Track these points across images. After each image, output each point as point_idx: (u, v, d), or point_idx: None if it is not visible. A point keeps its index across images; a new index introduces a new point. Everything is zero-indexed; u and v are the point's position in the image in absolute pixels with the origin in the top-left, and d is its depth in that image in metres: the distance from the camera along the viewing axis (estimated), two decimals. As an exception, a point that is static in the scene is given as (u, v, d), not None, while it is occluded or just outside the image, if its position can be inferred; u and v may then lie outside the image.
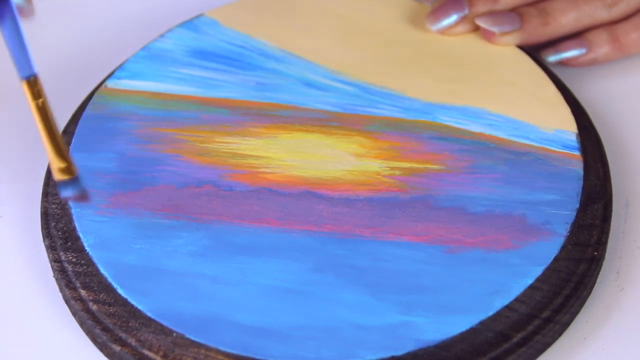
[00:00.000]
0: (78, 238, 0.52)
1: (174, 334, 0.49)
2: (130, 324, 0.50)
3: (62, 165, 0.50)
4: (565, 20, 0.61)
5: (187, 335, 0.49)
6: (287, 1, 0.63)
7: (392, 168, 0.55)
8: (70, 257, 0.52)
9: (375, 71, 0.60)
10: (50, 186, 0.55)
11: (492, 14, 0.61)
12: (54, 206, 0.54)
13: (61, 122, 0.59)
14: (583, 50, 0.62)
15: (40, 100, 0.50)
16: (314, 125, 0.57)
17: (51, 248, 0.53)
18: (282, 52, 0.61)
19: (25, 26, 0.67)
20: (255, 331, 0.48)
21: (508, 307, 0.49)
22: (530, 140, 0.56)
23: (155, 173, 0.55)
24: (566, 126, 0.57)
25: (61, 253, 0.53)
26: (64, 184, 0.50)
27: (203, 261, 0.51)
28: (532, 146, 0.56)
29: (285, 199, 0.54)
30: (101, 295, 0.51)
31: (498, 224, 0.52)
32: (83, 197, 0.50)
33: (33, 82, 0.50)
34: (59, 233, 0.53)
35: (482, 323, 0.49)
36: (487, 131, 0.56)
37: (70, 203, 0.53)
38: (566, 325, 0.51)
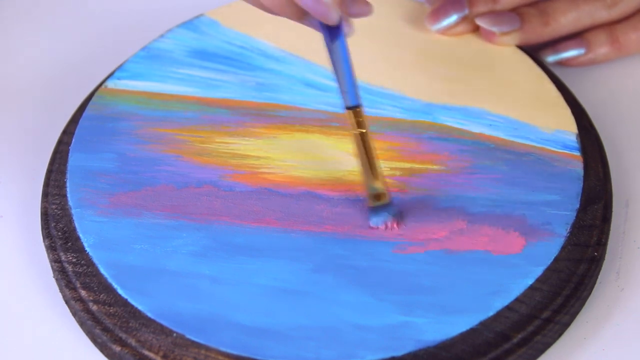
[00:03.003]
0: (78, 238, 0.52)
1: (174, 334, 0.49)
2: (130, 324, 0.50)
3: (378, 192, 0.52)
4: (565, 21, 0.61)
5: (187, 336, 0.49)
6: (287, 1, 0.63)
7: (392, 168, 0.55)
8: (70, 258, 0.52)
9: (375, 71, 0.60)
10: (50, 186, 0.55)
11: (492, 14, 0.61)
12: (54, 206, 0.54)
13: (61, 122, 0.59)
14: (582, 51, 0.62)
15: (364, 131, 0.51)
16: (314, 125, 0.57)
17: (51, 248, 0.53)
18: (282, 52, 0.61)
19: (25, 26, 0.68)
20: (255, 331, 0.48)
21: (508, 308, 0.49)
22: (531, 140, 0.56)
23: (155, 173, 0.55)
24: (566, 126, 0.57)
25: (61, 253, 0.53)
26: (377, 209, 0.52)
27: (203, 261, 0.51)
28: (532, 146, 0.56)
29: (285, 199, 0.54)
30: (101, 295, 0.51)
31: (498, 224, 0.52)
32: (396, 223, 0.52)
33: (358, 113, 0.51)
34: (59, 233, 0.53)
35: (482, 323, 0.49)
36: (487, 131, 0.56)
37: (70, 203, 0.53)
38: (566, 325, 0.51)
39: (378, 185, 0.52)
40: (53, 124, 0.60)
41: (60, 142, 0.58)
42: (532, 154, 0.55)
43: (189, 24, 0.62)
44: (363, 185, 0.52)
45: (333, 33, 0.50)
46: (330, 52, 0.51)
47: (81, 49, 0.66)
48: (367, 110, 0.58)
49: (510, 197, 0.53)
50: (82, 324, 0.51)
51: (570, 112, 0.57)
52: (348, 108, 0.51)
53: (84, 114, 0.58)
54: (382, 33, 0.62)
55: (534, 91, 0.59)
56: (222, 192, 0.54)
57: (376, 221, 0.52)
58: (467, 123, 0.57)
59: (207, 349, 0.48)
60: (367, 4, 0.51)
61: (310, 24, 0.51)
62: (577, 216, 0.52)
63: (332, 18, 0.49)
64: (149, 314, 0.49)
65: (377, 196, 0.52)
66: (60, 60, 0.65)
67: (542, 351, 0.50)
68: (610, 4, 0.62)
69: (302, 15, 0.51)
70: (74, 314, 0.52)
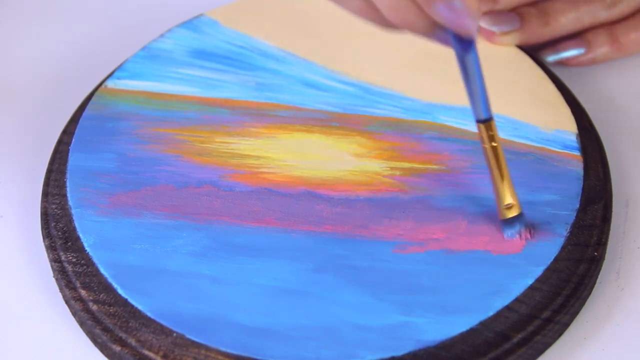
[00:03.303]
0: (78, 238, 0.52)
1: (174, 334, 0.49)
2: (130, 324, 0.50)
3: (510, 204, 0.51)
4: (565, 21, 0.61)
5: (187, 336, 0.49)
6: (287, 1, 0.63)
7: (392, 168, 0.55)
8: (70, 257, 0.52)
9: (375, 71, 0.60)
10: (50, 186, 0.55)
11: (492, 14, 0.61)
12: (54, 206, 0.54)
13: (61, 122, 0.59)
14: (582, 50, 0.62)
15: (494, 144, 0.51)
16: (314, 125, 0.57)
17: (51, 248, 0.53)
18: (282, 52, 0.61)
19: (25, 26, 0.68)
20: (255, 331, 0.48)
21: (508, 308, 0.49)
22: (530, 140, 0.56)
23: (155, 173, 0.55)
24: (566, 126, 0.57)
25: (61, 253, 0.53)
26: (510, 221, 0.51)
27: (203, 261, 0.51)
28: (532, 146, 0.56)
29: (285, 199, 0.54)
30: (101, 295, 0.51)
31: (498, 224, 0.52)
32: (529, 233, 0.51)
33: (489, 126, 0.50)
34: (59, 233, 0.53)
35: (482, 323, 0.49)
36: (487, 131, 0.56)
37: (70, 203, 0.53)
38: (566, 325, 0.51)
39: (509, 197, 0.51)
40: (53, 124, 0.60)
41: (60, 142, 0.58)
42: (532, 153, 0.55)
43: (189, 24, 0.62)
44: (495, 199, 0.51)
45: (465, 45, 0.48)
46: (462, 64, 0.49)
47: (81, 49, 0.66)
48: (367, 110, 0.58)
49: (510, 197, 0.53)
50: (82, 324, 0.51)
51: (570, 112, 0.57)
52: (479, 122, 0.50)
53: (84, 114, 0.58)
54: (382, 33, 0.62)
55: (534, 91, 0.59)
56: (222, 192, 0.54)
57: (511, 233, 0.51)
58: (467, 123, 0.57)
59: (207, 349, 0.48)
60: (516, 19, 0.49)
61: (438, 39, 0.49)
62: (577, 216, 0.52)
63: (469, 28, 0.47)
64: (149, 314, 0.49)
65: (509, 208, 0.51)
66: (60, 60, 0.65)
67: (542, 351, 0.50)
68: (610, 4, 0.62)
69: (432, 29, 0.48)
70: (74, 314, 0.52)
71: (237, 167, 0.55)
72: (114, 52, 0.63)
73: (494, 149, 0.51)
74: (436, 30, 0.48)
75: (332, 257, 0.51)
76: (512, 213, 0.51)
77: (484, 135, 0.50)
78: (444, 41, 0.48)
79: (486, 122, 0.50)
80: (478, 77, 0.49)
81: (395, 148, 0.56)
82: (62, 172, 0.55)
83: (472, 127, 0.57)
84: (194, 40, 0.61)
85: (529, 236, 0.51)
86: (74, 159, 0.55)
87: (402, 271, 0.50)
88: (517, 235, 0.51)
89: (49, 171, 0.56)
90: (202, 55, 0.61)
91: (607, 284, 0.53)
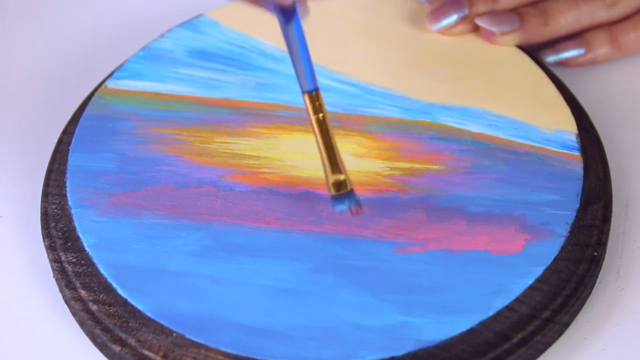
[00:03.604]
0: (78, 238, 0.52)
1: (174, 334, 0.49)
2: (130, 324, 0.50)
3: (339, 179, 0.51)
4: (565, 21, 0.61)
5: (187, 336, 0.49)
6: (287, 1, 0.63)
7: (392, 168, 0.55)
8: (70, 258, 0.52)
9: (375, 71, 0.60)
10: (50, 186, 0.55)
11: (492, 14, 0.61)
12: (54, 206, 0.54)
13: (61, 122, 0.59)
14: (582, 51, 0.62)
15: (321, 115, 0.51)
16: (314, 125, 0.57)
17: (51, 248, 0.53)
18: (282, 52, 0.61)
19: (25, 26, 0.68)
20: (255, 331, 0.48)
21: (508, 308, 0.49)
22: (530, 140, 0.56)
23: (155, 173, 0.55)
24: (566, 126, 0.57)
25: (61, 253, 0.53)
26: (339, 197, 0.51)
27: (203, 261, 0.51)
28: (532, 146, 0.56)
29: (285, 199, 0.54)
30: (101, 295, 0.51)
31: (498, 224, 0.52)
32: (358, 210, 0.51)
33: (315, 97, 0.51)
34: (59, 233, 0.53)
35: (482, 323, 0.49)
36: (487, 131, 0.56)
37: (70, 203, 0.53)
38: (566, 325, 0.51)
39: (339, 173, 0.51)
40: (53, 124, 0.60)
41: (60, 142, 0.58)
42: (532, 153, 0.55)
43: (189, 24, 0.62)
44: (324, 175, 0.52)
45: (287, 15, 0.49)
46: (286, 35, 0.49)
47: (81, 49, 0.66)
48: (367, 110, 0.58)
49: (510, 197, 0.53)
50: (82, 324, 0.51)
51: (570, 112, 0.57)
52: (305, 92, 0.51)
53: (84, 114, 0.58)
54: (382, 33, 0.62)
55: (534, 91, 0.59)
56: (222, 192, 0.54)
57: (340, 209, 0.51)
58: (467, 123, 0.57)
59: (207, 349, 0.48)
60: None
61: (262, 6, 0.49)
62: (577, 216, 0.52)
63: (285, 1, 0.48)
64: (149, 314, 0.49)
65: (338, 185, 0.51)
66: (60, 60, 0.65)
67: (542, 351, 0.50)
68: (609, 4, 0.62)
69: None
70: (74, 314, 0.52)
71: (237, 167, 0.55)
72: (114, 52, 0.63)
73: (320, 121, 0.51)
74: (261, 1, 0.49)
75: (332, 257, 0.51)
76: (343, 189, 0.51)
77: (309, 107, 0.51)
78: (270, 10, 0.49)
79: (311, 92, 0.51)
80: (302, 48, 0.49)
81: (395, 148, 0.56)
82: (62, 172, 0.55)
83: (472, 127, 0.57)
84: (194, 40, 0.61)
85: (360, 211, 0.51)
86: (74, 159, 0.55)
87: (402, 271, 0.50)
88: (348, 211, 0.51)
89: (49, 171, 0.56)
90: (202, 55, 0.61)
91: (607, 284, 0.53)
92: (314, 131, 0.51)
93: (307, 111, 0.51)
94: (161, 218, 0.53)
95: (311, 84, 0.51)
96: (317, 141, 0.51)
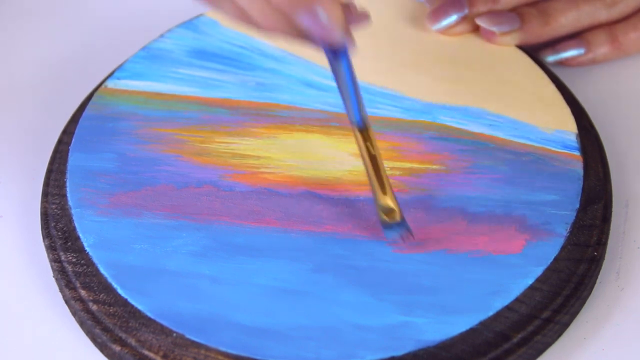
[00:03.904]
0: (78, 238, 0.52)
1: (174, 334, 0.49)
2: (130, 324, 0.50)
3: (390, 209, 0.51)
4: (565, 21, 0.61)
5: (187, 336, 0.49)
6: (287, 1, 0.63)
7: (392, 168, 0.55)
8: (70, 257, 0.52)
9: (375, 71, 0.60)
10: (50, 186, 0.55)
11: (492, 14, 0.61)
12: (53, 206, 0.54)
13: (61, 122, 0.59)
14: (582, 51, 0.62)
15: (374, 154, 0.50)
16: (314, 125, 0.57)
17: (51, 248, 0.53)
18: (282, 52, 0.61)
19: (25, 26, 0.68)
20: (255, 331, 0.48)
21: (508, 308, 0.49)
22: (530, 140, 0.56)
23: (155, 173, 0.55)
24: (566, 126, 0.57)
25: (61, 253, 0.53)
26: (390, 226, 0.51)
27: (203, 261, 0.51)
28: (532, 146, 0.56)
29: (285, 199, 0.54)
30: (101, 295, 0.51)
31: (498, 224, 0.52)
32: (407, 239, 0.51)
33: (365, 136, 0.50)
34: (59, 233, 0.53)
35: (482, 323, 0.49)
36: (487, 131, 0.56)
37: (70, 203, 0.53)
38: (566, 325, 0.51)
39: (390, 204, 0.51)
40: (53, 124, 0.60)
41: (60, 142, 0.58)
42: (532, 153, 0.55)
43: (189, 24, 0.62)
44: (374, 203, 0.51)
45: (335, 53, 0.48)
46: (334, 71, 0.49)
47: (81, 49, 0.66)
48: (367, 110, 0.58)
49: (510, 197, 0.53)
50: (82, 324, 0.51)
51: (570, 112, 0.57)
52: (355, 127, 0.50)
53: (84, 114, 0.58)
54: (382, 33, 0.62)
55: (534, 91, 0.59)
56: (222, 192, 0.54)
57: (392, 236, 0.51)
58: (467, 123, 0.57)
59: (207, 349, 0.48)
60: (367, 15, 0.48)
61: (310, 42, 0.48)
62: (577, 216, 0.52)
63: (336, 39, 0.46)
64: (149, 314, 0.49)
65: (390, 214, 0.51)
66: (60, 60, 0.65)
67: (542, 351, 0.50)
68: (609, 4, 0.62)
69: (300, 34, 0.47)
70: (74, 314, 0.52)
71: (237, 167, 0.55)
72: (114, 52, 0.63)
73: (373, 159, 0.50)
74: (307, 37, 0.47)
75: (332, 257, 0.51)
76: (393, 219, 0.51)
77: (361, 144, 0.50)
78: (317, 45, 0.48)
79: (362, 131, 0.50)
80: (350, 85, 0.49)
81: (395, 148, 0.56)
82: (62, 172, 0.55)
83: (472, 127, 0.57)
84: (194, 40, 0.61)
85: (411, 238, 0.51)
86: (74, 159, 0.55)
87: (402, 271, 0.50)
88: (399, 238, 0.51)
89: (49, 171, 0.56)
90: (202, 55, 0.61)
91: (607, 284, 0.53)
92: (364, 166, 0.51)
93: (359, 147, 0.51)
94: (161, 218, 0.53)
95: (359, 121, 0.50)
96: (368, 178, 0.51)
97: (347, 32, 0.47)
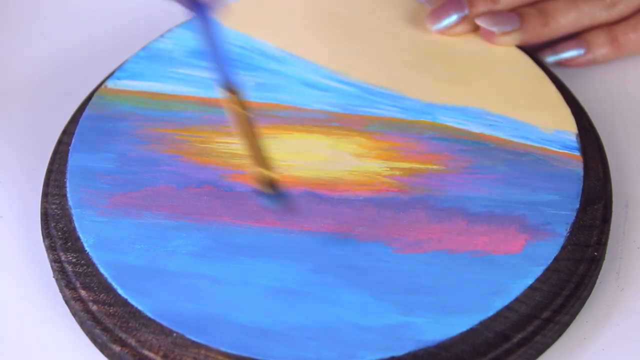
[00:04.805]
0: (78, 238, 0.52)
1: (174, 334, 0.49)
2: (130, 324, 0.50)
3: (264, 174, 0.50)
4: (565, 21, 0.61)
5: (187, 336, 0.49)
6: (287, 1, 0.63)
7: (392, 168, 0.55)
8: (70, 258, 0.52)
9: (375, 71, 0.60)
10: (50, 186, 0.55)
11: (492, 14, 0.61)
12: (54, 206, 0.54)
13: (61, 122, 0.59)
14: (582, 51, 0.62)
15: (245, 113, 0.49)
16: (314, 125, 0.57)
17: (51, 248, 0.53)
18: (282, 52, 0.61)
19: (25, 26, 0.68)
20: (256, 331, 0.48)
21: (508, 308, 0.49)
22: (530, 140, 0.56)
23: (155, 173, 0.55)
24: (566, 126, 0.57)
25: (61, 253, 0.53)
26: (265, 192, 0.50)
27: (203, 261, 0.51)
28: (532, 146, 0.56)
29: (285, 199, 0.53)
30: (101, 295, 0.51)
31: (498, 224, 0.52)
32: (284, 207, 0.51)
33: (234, 97, 0.50)
34: (59, 233, 0.53)
35: (482, 323, 0.49)
36: (487, 131, 0.56)
37: (70, 203, 0.53)
38: (566, 325, 0.51)
39: (269, 172, 0.50)
40: (53, 124, 0.60)
41: (60, 142, 0.58)
42: (532, 154, 0.55)
43: (189, 24, 0.62)
44: (252, 172, 0.50)
45: (199, 9, 0.48)
46: (200, 30, 0.49)
47: (81, 49, 0.66)
48: (367, 110, 0.58)
49: (510, 197, 0.53)
50: (82, 324, 0.51)
51: (570, 112, 0.57)
52: (225, 90, 0.49)
53: (84, 114, 0.58)
54: (382, 33, 0.62)
55: (534, 91, 0.59)
56: (222, 192, 0.54)
57: (265, 203, 0.50)
58: (467, 123, 0.57)
59: (207, 349, 0.48)
60: None
61: (181, 3, 0.48)
62: (577, 216, 0.52)
63: None
64: (149, 314, 0.49)
65: (272, 184, 0.50)
66: (60, 60, 0.65)
67: (542, 351, 0.50)
68: (609, 4, 0.62)
69: None
70: (74, 314, 0.52)
71: (237, 167, 0.55)
72: (114, 52, 0.63)
73: (244, 121, 0.49)
74: None
75: (332, 257, 0.51)
76: (274, 189, 0.50)
77: (231, 107, 0.49)
78: (182, 4, 0.48)
79: (231, 92, 0.49)
80: (214, 43, 0.49)
81: (395, 148, 0.56)
82: (62, 172, 0.55)
83: (472, 127, 0.57)
84: (194, 41, 0.61)
85: (284, 209, 0.50)
86: (74, 159, 0.55)
87: (402, 271, 0.50)
88: (271, 207, 0.50)
89: (49, 171, 0.56)
90: (202, 55, 0.61)
91: (607, 284, 0.53)
92: (236, 131, 0.50)
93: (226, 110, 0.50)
94: (161, 218, 0.53)
95: (226, 81, 0.49)
96: (242, 141, 0.50)
97: None
